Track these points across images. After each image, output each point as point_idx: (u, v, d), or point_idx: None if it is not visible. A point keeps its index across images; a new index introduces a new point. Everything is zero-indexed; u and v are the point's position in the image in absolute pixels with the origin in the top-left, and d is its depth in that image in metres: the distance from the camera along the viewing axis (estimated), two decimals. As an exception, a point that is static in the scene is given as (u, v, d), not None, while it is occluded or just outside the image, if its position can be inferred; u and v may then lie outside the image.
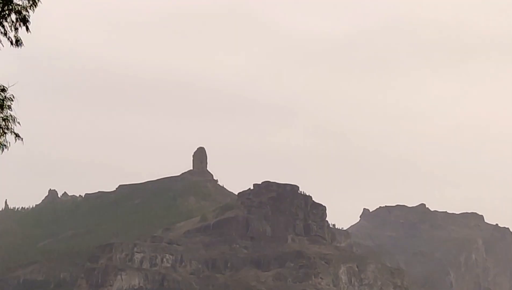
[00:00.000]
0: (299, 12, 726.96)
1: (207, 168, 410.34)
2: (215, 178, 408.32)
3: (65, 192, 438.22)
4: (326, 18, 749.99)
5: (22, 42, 21.75)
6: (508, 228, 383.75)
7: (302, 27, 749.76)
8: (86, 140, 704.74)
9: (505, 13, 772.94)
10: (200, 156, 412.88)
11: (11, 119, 21.28)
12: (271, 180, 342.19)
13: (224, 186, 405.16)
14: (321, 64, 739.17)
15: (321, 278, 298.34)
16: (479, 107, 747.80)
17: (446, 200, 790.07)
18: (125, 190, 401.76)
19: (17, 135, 21.37)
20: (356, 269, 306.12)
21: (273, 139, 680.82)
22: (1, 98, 20.99)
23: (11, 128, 21.21)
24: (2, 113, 21.17)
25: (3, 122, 21.26)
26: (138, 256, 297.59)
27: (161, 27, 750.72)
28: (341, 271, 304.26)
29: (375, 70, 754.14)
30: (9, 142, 21.18)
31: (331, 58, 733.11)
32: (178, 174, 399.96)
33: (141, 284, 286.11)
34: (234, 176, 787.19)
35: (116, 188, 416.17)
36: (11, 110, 21.28)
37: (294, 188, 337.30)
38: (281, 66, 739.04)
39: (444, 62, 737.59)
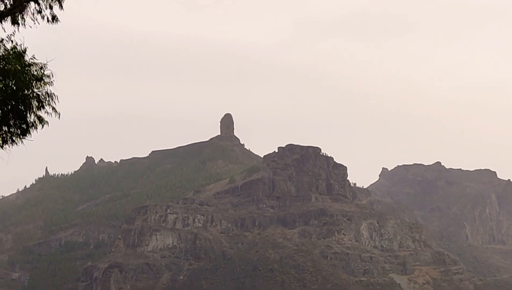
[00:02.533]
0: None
1: (234, 133, 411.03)
2: (241, 142, 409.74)
3: (101, 158, 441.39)
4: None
5: (58, 19, 22.46)
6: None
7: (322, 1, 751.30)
8: (120, 109, 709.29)
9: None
10: (227, 122, 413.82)
11: (50, 95, 21.65)
12: (295, 143, 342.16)
13: (250, 150, 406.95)
14: (340, 33, 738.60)
15: (343, 234, 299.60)
16: (488, 70, 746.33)
17: (460, 157, 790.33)
18: (158, 156, 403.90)
19: (54, 110, 21.79)
20: (377, 225, 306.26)
21: (296, 103, 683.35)
22: (40, 74, 21.19)
23: (51, 103, 21.52)
24: (42, 88, 21.45)
25: (44, 98, 21.57)
26: (171, 217, 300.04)
27: (188, 5, 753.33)
28: (362, 227, 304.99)
29: (388, 38, 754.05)
30: (51, 114, 21.64)
31: (348, 27, 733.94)
32: (207, 140, 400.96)
33: (174, 244, 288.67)
34: (260, 140, 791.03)
35: (149, 154, 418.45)
36: (51, 86, 21.67)
37: (316, 150, 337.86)
38: (303, 36, 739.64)
39: (450, 31, 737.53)
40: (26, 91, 20.23)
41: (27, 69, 20.41)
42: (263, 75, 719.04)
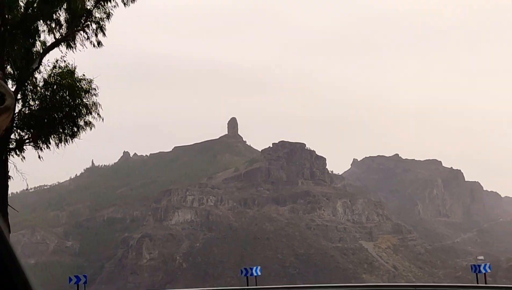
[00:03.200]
0: (305, 12, 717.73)
1: (238, 132, 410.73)
2: (244, 139, 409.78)
3: (135, 153, 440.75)
4: (322, 17, 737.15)
5: (101, 44, 22.42)
6: (459, 170, 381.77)
7: (306, 23, 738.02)
8: (149, 113, 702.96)
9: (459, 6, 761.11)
10: (232, 123, 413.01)
11: (95, 104, 21.89)
12: (285, 140, 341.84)
13: (251, 145, 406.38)
14: (320, 51, 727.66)
15: (323, 210, 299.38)
16: (439, 81, 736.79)
17: (413, 150, 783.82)
18: (179, 150, 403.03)
19: (99, 115, 21.96)
20: (349, 203, 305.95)
21: (286, 109, 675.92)
22: (88, 88, 21.45)
23: (96, 110, 21.77)
24: (89, 99, 21.66)
25: (91, 106, 21.80)
26: (189, 198, 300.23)
27: (201, 30, 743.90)
28: (338, 205, 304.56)
29: (360, 55, 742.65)
30: (96, 118, 21.90)
31: (328, 45, 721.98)
32: (217, 138, 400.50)
33: (192, 218, 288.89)
34: (258, 138, 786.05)
35: (172, 149, 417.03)
36: (96, 96, 21.98)
37: (302, 145, 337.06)
38: (287, 53, 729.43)
39: (410, 47, 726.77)
40: (77, 101, 20.64)
41: (78, 84, 20.76)
42: (260, 86, 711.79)
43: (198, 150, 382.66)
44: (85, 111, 21.18)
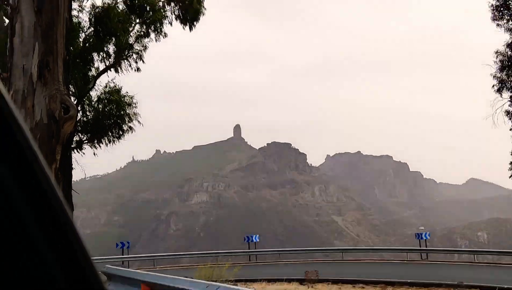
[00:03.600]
0: (290, 48, 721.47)
1: (241, 135, 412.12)
2: (246, 140, 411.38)
3: (164, 150, 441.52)
4: (304, 52, 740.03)
5: (140, 69, 22.54)
6: (406, 163, 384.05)
7: (292, 57, 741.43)
8: (175, 120, 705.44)
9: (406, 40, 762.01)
10: (237, 129, 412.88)
11: (136, 114, 22.44)
12: (276, 141, 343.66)
13: (251, 145, 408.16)
14: (301, 74, 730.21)
15: (305, 193, 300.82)
16: (394, 96, 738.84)
17: (371, 147, 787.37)
18: (197, 149, 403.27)
19: (139, 122, 22.47)
20: (324, 187, 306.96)
21: (277, 118, 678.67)
22: (130, 102, 21.99)
23: (136, 118, 22.16)
24: (131, 110, 22.13)
25: (132, 115, 22.20)
26: (205, 184, 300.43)
27: (212, 60, 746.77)
28: (315, 189, 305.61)
29: (331, 80, 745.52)
30: (136, 125, 22.42)
31: (309, 74, 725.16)
32: (226, 139, 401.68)
33: (207, 199, 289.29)
34: (256, 139, 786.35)
35: (192, 148, 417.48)
36: (136, 108, 22.52)
37: (289, 144, 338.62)
38: (277, 81, 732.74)
39: (373, 72, 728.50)
40: (122, 112, 20.99)
41: (122, 99, 21.13)
42: (257, 101, 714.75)
43: (212, 149, 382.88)
44: (127, 119, 21.45)
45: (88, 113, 21.59)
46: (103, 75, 21.55)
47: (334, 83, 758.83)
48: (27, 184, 0.74)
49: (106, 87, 21.72)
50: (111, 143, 22.09)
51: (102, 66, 21.48)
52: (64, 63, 8.87)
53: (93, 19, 19.88)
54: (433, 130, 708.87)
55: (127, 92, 22.17)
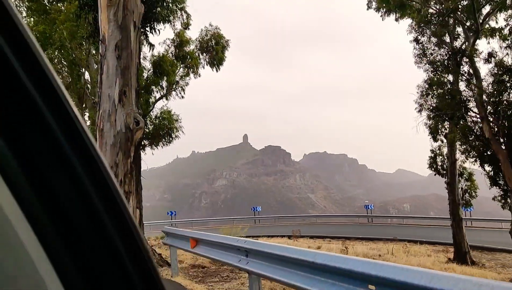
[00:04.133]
0: (282, 82, 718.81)
1: (248, 141, 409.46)
2: (251, 144, 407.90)
3: (198, 151, 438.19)
4: (292, 85, 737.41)
5: (184, 97, 21.57)
6: (356, 159, 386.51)
7: (283, 89, 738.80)
8: (205, 131, 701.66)
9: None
10: (245, 137, 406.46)
11: (180, 127, 20.86)
12: (271, 144, 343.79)
13: (255, 147, 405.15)
14: (290, 103, 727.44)
15: (289, 179, 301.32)
16: (349, 114, 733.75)
17: (334, 148, 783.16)
18: (220, 150, 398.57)
19: (182, 132, 21.06)
20: (302, 175, 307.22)
21: (271, 129, 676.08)
22: (177, 119, 20.56)
23: (180, 129, 20.65)
24: (178, 124, 20.79)
25: (179, 127, 20.79)
26: (224, 173, 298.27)
27: (227, 90, 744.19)
28: (297, 176, 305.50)
29: (310, 104, 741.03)
30: (181, 134, 20.89)
31: (295, 100, 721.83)
32: (238, 144, 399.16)
33: (226, 183, 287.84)
34: (259, 143, 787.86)
35: (216, 149, 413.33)
36: (181, 122, 20.88)
37: (279, 147, 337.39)
38: (273, 105, 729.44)
39: (337, 97, 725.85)
40: (171, 125, 20.20)
41: (172, 117, 20.34)
42: (259, 118, 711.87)
43: (229, 150, 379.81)
44: (175, 130, 20.30)
45: (149, 127, 20.57)
46: (159, 101, 21.01)
47: (310, 106, 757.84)
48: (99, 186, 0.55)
49: (161, 109, 20.91)
50: (164, 146, 21.23)
51: (158, 95, 20.94)
52: (135, 92, 9.26)
53: (152, 64, 19.85)
54: (375, 136, 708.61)
55: (174, 112, 21.34)
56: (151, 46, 17.62)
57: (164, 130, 20.16)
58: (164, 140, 20.38)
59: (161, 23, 16.54)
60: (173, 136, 20.34)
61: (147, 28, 15.92)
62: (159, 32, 20.47)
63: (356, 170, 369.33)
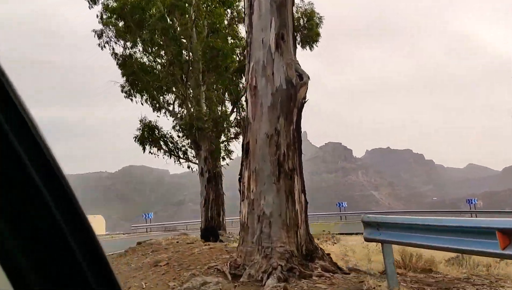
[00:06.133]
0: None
1: (308, 138, 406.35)
2: (310, 142, 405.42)
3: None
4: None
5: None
6: (422, 154, 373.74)
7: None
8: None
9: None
10: (304, 134, 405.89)
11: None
12: (332, 141, 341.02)
13: (314, 144, 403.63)
14: (348, 101, 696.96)
15: (351, 176, 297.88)
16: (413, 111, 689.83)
17: (395, 143, 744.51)
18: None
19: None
20: (365, 172, 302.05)
21: (331, 124, 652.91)
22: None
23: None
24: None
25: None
26: None
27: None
28: (359, 173, 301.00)
29: (371, 101, 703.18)
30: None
31: (354, 97, 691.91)
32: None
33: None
34: (318, 140, 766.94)
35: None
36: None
37: (340, 144, 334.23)
38: (326, 103, 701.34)
39: (391, 96, 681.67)
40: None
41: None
42: (316, 115, 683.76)
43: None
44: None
45: (241, 112, 17.08)
46: None
47: (368, 101, 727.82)
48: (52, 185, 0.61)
49: None
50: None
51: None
52: (292, 37, 7.36)
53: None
54: (441, 131, 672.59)
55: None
56: None
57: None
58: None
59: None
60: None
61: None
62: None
63: (423, 165, 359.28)
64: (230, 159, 18.58)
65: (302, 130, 7.41)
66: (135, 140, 16.82)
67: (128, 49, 16.42)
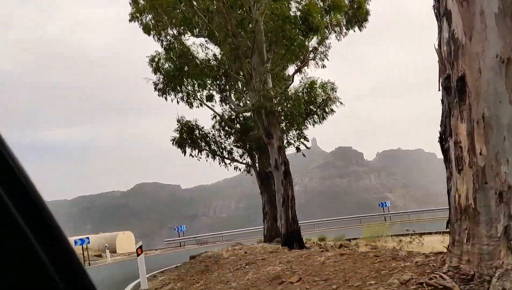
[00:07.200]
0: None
1: (317, 144, 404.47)
2: (320, 147, 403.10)
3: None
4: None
5: (325, 66, 17.06)
6: (434, 153, 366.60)
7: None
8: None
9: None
10: (314, 140, 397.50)
11: (336, 98, 16.50)
12: (341, 146, 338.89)
13: (324, 150, 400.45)
14: (355, 104, 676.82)
15: (364, 180, 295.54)
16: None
17: (406, 143, 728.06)
18: (289, 156, 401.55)
19: (341, 103, 16.71)
20: (378, 174, 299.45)
21: (340, 129, 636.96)
22: (333, 87, 16.29)
23: (337, 100, 16.52)
24: (332, 93, 16.26)
25: (337, 98, 16.46)
26: (298, 179, 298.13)
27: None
28: (372, 176, 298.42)
29: (378, 102, 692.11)
30: (338, 106, 16.73)
31: (360, 100, 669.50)
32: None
33: (297, 189, 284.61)
34: (328, 145, 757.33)
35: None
36: (336, 92, 16.62)
37: (350, 148, 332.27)
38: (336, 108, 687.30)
39: (398, 95, 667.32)
40: (326, 96, 16.42)
41: (326, 85, 16.35)
42: (325, 121, 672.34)
43: (298, 155, 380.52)
44: (332, 102, 16.14)
45: (288, 104, 15.24)
46: (296, 74, 16.66)
47: (375, 102, 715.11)
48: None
49: (300, 82, 16.52)
50: (315, 124, 17.20)
51: (293, 69, 16.93)
52: None
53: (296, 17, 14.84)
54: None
55: (322, 80, 16.30)
56: None
57: (316, 103, 15.79)
58: (317, 116, 16.43)
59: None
60: (328, 110, 16.24)
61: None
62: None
63: (435, 165, 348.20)
64: (307, 148, 17.68)
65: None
66: (173, 143, 16.14)
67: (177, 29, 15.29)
